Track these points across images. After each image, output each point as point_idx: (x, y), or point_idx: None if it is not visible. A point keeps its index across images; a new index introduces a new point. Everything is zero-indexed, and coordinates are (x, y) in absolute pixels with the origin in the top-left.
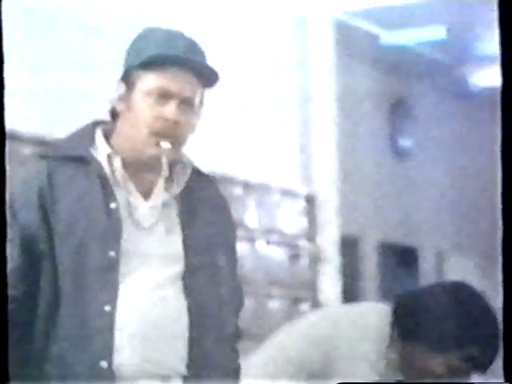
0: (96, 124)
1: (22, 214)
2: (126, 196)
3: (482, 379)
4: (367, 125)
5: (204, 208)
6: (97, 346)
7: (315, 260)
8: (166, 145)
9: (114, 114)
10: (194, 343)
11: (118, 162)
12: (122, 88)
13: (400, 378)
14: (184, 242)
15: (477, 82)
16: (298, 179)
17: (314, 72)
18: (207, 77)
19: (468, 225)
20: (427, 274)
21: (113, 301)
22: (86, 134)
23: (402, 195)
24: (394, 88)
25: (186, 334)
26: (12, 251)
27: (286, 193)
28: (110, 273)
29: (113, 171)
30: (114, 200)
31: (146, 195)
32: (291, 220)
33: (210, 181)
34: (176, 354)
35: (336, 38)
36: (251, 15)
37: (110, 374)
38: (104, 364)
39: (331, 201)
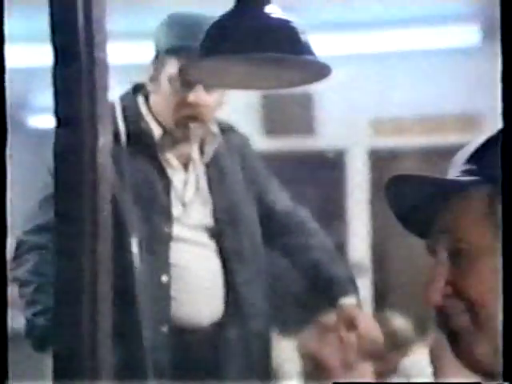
0: (136, 90)
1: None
2: (171, 170)
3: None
4: None
5: (231, 167)
6: (157, 313)
7: None
8: (194, 125)
9: (147, 93)
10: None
11: (168, 142)
12: (151, 70)
13: None
14: (214, 212)
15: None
16: None
17: None
18: None
19: None
20: None
21: (168, 272)
22: (131, 104)
23: None
24: None
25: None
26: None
27: None
28: (164, 246)
29: (162, 149)
30: (166, 177)
31: (185, 167)
32: None
33: (239, 136)
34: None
35: None
36: None
37: (170, 337)
38: (164, 329)
39: None
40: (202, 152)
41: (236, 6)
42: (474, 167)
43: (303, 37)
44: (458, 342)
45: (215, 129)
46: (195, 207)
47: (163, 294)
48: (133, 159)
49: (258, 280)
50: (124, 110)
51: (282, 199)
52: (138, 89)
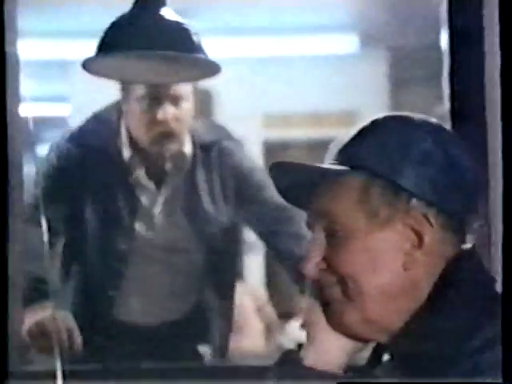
0: (119, 104)
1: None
2: (141, 189)
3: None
4: None
5: (208, 182)
6: (100, 321)
7: None
8: (167, 141)
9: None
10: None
11: (140, 160)
12: (121, 92)
13: None
14: (185, 229)
15: None
16: None
17: None
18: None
19: None
20: None
21: (118, 287)
22: (112, 119)
23: None
24: None
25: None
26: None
27: None
28: (119, 263)
29: (133, 169)
30: (133, 196)
31: (157, 184)
32: None
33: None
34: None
35: None
36: None
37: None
38: (107, 343)
39: None
40: (175, 169)
41: (133, 8)
42: (346, 157)
43: (195, 37)
44: (329, 310)
45: (188, 148)
46: (164, 225)
47: (108, 307)
48: (102, 175)
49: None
50: (105, 122)
51: (263, 190)
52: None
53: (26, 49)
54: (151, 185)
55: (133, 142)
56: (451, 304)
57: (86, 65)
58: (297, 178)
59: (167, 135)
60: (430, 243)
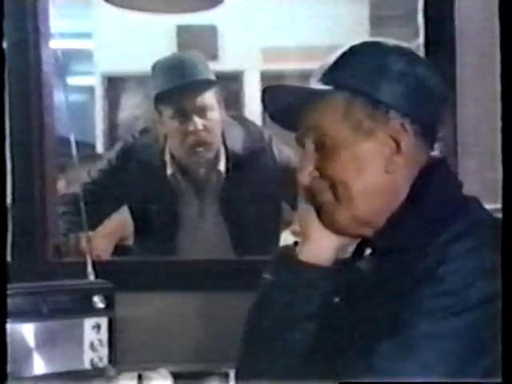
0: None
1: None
2: (183, 200)
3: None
4: None
5: (246, 192)
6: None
7: None
8: (200, 149)
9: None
10: None
11: (180, 174)
12: (156, 114)
13: None
14: (229, 235)
15: None
16: None
17: None
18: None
19: None
20: None
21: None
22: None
23: None
24: None
25: None
26: None
27: None
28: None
29: (176, 181)
30: (176, 203)
31: (199, 193)
32: None
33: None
34: None
35: None
36: None
37: None
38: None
39: None
40: (213, 181)
41: None
42: (330, 78)
43: None
44: (322, 212)
45: (222, 166)
46: (207, 234)
47: None
48: (145, 186)
49: None
50: (151, 143)
51: None
52: None
53: None
54: (192, 196)
55: (174, 158)
56: (425, 204)
57: None
58: (287, 98)
59: (200, 144)
60: (407, 149)
